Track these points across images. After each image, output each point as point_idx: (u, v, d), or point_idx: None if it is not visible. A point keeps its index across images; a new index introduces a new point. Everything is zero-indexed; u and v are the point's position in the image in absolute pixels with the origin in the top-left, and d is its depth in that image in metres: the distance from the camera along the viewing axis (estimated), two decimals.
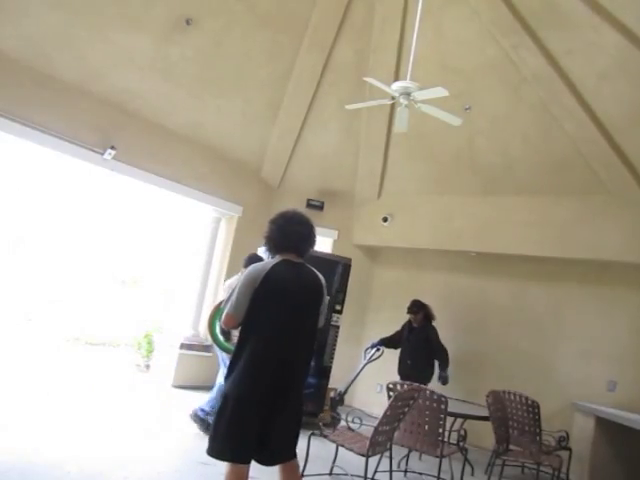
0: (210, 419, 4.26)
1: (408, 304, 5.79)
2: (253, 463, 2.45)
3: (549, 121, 5.40)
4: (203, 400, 4.78)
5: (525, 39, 4.95)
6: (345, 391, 5.50)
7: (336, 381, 5.91)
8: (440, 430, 3.87)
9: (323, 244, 7.08)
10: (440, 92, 3.85)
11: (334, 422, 5.18)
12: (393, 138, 6.63)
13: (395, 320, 6.16)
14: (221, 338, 3.97)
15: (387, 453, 3.74)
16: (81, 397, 5.24)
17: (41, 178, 8.44)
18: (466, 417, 4.45)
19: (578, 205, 5.73)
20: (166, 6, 5.13)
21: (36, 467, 3.25)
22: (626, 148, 5.15)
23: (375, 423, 3.47)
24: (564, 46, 4.86)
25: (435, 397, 3.93)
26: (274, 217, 2.70)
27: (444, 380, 5.34)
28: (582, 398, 5.38)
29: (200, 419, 4.60)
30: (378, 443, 3.51)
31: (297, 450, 2.59)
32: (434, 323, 5.76)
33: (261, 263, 2.59)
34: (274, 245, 2.65)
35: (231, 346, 3.60)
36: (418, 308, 5.72)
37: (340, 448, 3.73)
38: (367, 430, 3.68)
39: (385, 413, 3.47)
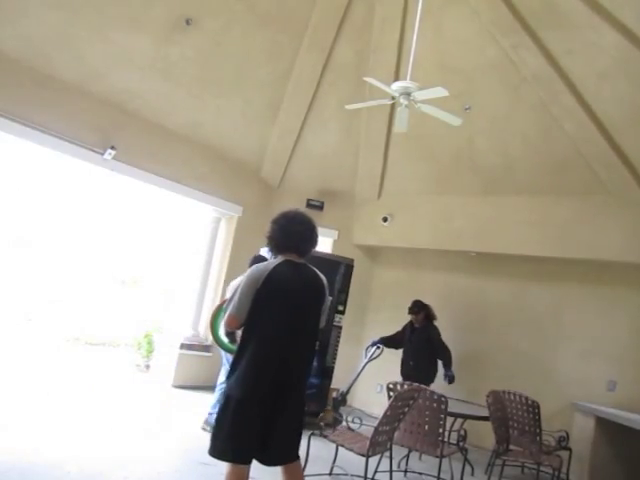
0: None
1: (409, 305, 5.79)
2: (254, 463, 2.45)
3: (549, 121, 5.40)
4: (209, 406, 4.78)
5: (525, 39, 4.95)
6: (347, 391, 5.50)
7: (338, 381, 5.91)
8: (440, 430, 3.87)
9: (323, 244, 7.09)
10: (440, 92, 3.85)
11: (336, 422, 5.18)
12: (393, 138, 6.63)
13: (395, 320, 6.16)
14: (225, 340, 3.95)
15: (387, 453, 3.74)
16: (81, 397, 5.23)
17: (41, 178, 8.44)
18: (466, 417, 4.45)
19: (578, 205, 5.73)
20: (166, 6, 5.12)
21: (36, 467, 3.25)
22: (626, 148, 5.15)
23: (375, 423, 3.47)
24: (564, 46, 4.86)
25: (435, 397, 3.93)
26: (276, 217, 2.69)
27: (450, 379, 5.35)
28: (582, 398, 5.38)
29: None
30: (378, 443, 3.51)
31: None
32: (435, 323, 5.77)
33: (263, 263, 2.58)
34: (276, 245, 2.64)
35: (233, 346, 3.59)
36: (419, 308, 5.72)
37: (340, 448, 3.74)
38: (367, 430, 3.68)
39: (385, 413, 3.47)
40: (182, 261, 7.92)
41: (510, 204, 6.23)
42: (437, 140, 6.28)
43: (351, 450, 3.54)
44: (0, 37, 4.75)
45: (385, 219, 7.13)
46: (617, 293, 5.67)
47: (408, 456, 4.49)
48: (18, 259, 9.44)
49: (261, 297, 2.44)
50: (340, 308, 5.83)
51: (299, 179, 7.37)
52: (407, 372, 5.67)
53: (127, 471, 3.44)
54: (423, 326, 5.72)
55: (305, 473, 3.62)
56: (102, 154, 5.55)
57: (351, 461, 3.85)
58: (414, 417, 3.95)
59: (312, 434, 3.69)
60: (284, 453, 2.49)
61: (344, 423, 4.41)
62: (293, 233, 2.60)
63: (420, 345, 5.66)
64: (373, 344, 5.75)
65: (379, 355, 5.69)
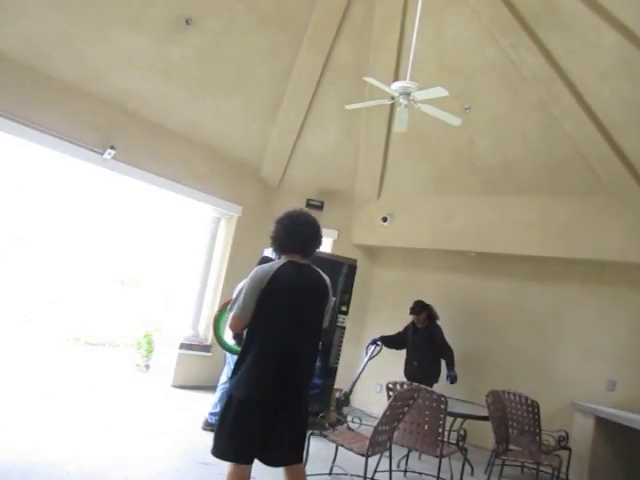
0: None
1: (409, 305, 5.78)
2: (256, 463, 2.44)
3: (549, 121, 5.40)
4: (209, 405, 4.78)
5: (525, 39, 4.95)
6: (350, 391, 5.50)
7: (340, 381, 5.92)
8: (440, 430, 3.87)
9: (323, 244, 7.08)
10: (440, 92, 3.85)
11: (339, 423, 5.17)
12: (393, 138, 6.63)
13: (395, 320, 6.16)
14: (229, 342, 3.94)
15: (387, 453, 3.74)
16: (81, 397, 5.23)
17: (41, 178, 8.44)
18: (466, 417, 4.45)
19: (578, 205, 5.73)
20: (166, 6, 5.12)
21: (36, 467, 3.25)
22: (626, 148, 5.15)
23: (375, 423, 3.47)
24: (564, 46, 4.86)
25: (435, 397, 3.93)
26: (280, 217, 2.66)
27: (452, 379, 5.35)
28: (582, 398, 5.38)
29: (214, 424, 4.59)
30: (378, 443, 3.51)
31: None
32: (437, 322, 5.77)
33: (267, 264, 2.57)
34: (279, 245, 2.63)
35: (236, 347, 3.59)
36: (421, 308, 5.71)
37: (340, 448, 3.74)
38: (367, 430, 3.68)
39: (385, 413, 3.47)
40: (182, 261, 7.91)
41: (510, 204, 6.23)
42: (437, 140, 6.28)
43: (351, 450, 3.54)
44: (0, 37, 4.76)
45: (385, 219, 7.13)
46: (617, 293, 5.67)
47: (408, 456, 4.49)
48: (18, 259, 9.44)
49: (265, 298, 2.44)
50: (343, 309, 5.82)
51: (299, 179, 7.37)
52: (411, 372, 5.65)
53: (127, 471, 3.44)
54: (426, 326, 5.71)
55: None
56: (102, 154, 5.55)
57: (351, 461, 3.85)
58: (414, 417, 3.95)
59: (312, 434, 3.69)
60: (287, 454, 2.48)
61: (354, 425, 4.43)
62: (297, 234, 2.59)
63: (423, 345, 5.65)
64: (373, 342, 5.75)
65: (379, 353, 5.69)
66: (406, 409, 3.69)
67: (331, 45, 5.98)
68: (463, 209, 6.56)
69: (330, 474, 3.97)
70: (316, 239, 2.66)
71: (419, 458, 4.92)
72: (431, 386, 5.18)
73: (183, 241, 8.13)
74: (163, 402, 5.74)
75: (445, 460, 3.90)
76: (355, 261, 6.07)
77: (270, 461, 2.47)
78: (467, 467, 4.39)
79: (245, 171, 7.19)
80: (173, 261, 8.96)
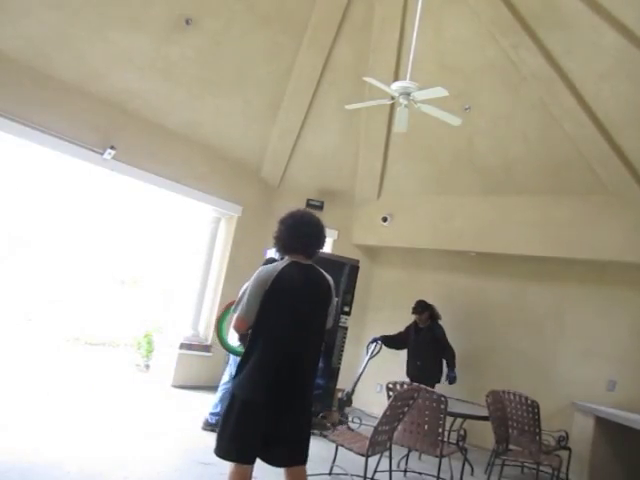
0: None
1: (410, 304, 5.78)
2: (258, 463, 2.44)
3: (549, 121, 5.40)
4: (209, 405, 4.78)
5: (525, 39, 4.95)
6: (352, 391, 5.51)
7: (341, 381, 5.92)
8: (440, 430, 3.87)
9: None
10: (440, 92, 3.85)
11: (342, 423, 5.17)
12: (393, 138, 6.63)
13: (395, 320, 6.16)
14: (234, 344, 3.94)
15: (387, 453, 3.74)
16: (81, 397, 5.23)
17: (41, 178, 8.44)
18: (466, 417, 4.45)
19: (578, 205, 5.73)
20: (166, 6, 5.12)
21: (36, 467, 3.25)
22: (626, 148, 5.15)
23: (375, 423, 3.47)
24: (564, 46, 4.86)
25: (435, 397, 3.94)
26: (283, 217, 2.64)
27: (451, 380, 5.36)
28: (582, 398, 5.38)
29: (214, 424, 4.60)
30: (378, 443, 3.51)
31: None
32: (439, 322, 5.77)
33: (270, 265, 2.56)
34: (283, 246, 2.62)
35: (240, 349, 3.60)
36: (423, 308, 5.71)
37: (340, 448, 3.74)
38: (367, 430, 3.68)
39: (385, 413, 3.47)
40: (182, 261, 7.91)
41: (510, 204, 6.23)
42: (437, 140, 6.28)
43: (351, 450, 3.54)
44: (0, 37, 4.76)
45: (385, 219, 7.13)
46: (617, 293, 5.67)
47: (408, 456, 4.49)
48: (18, 259, 9.44)
49: (269, 299, 2.43)
50: (346, 309, 5.81)
51: (299, 179, 7.37)
52: (414, 372, 5.64)
53: (127, 471, 3.44)
54: (428, 326, 5.71)
55: None
56: (102, 154, 5.55)
57: (351, 461, 3.85)
58: (414, 417, 3.95)
59: (312, 434, 3.68)
60: (291, 455, 2.47)
61: (354, 425, 4.43)
62: (300, 234, 2.57)
63: (426, 345, 5.64)
64: (373, 340, 5.76)
65: (379, 351, 5.69)
66: (406, 409, 3.69)
67: (331, 45, 5.98)
68: (463, 209, 6.56)
69: (330, 474, 3.97)
70: (320, 239, 2.64)
71: (419, 458, 4.92)
72: (433, 386, 5.19)
73: (183, 241, 8.14)
74: (163, 402, 5.74)
75: (445, 460, 3.91)
76: (358, 261, 6.07)
77: (273, 461, 2.47)
78: (467, 467, 4.39)
79: (245, 171, 7.19)
80: (173, 261, 8.96)
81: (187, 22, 5.26)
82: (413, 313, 5.75)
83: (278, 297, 2.44)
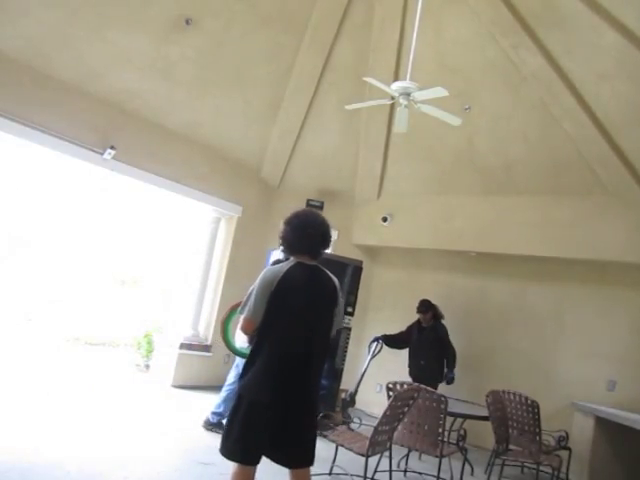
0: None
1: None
2: (261, 463, 2.44)
3: (549, 121, 5.40)
4: (210, 405, 4.77)
5: (525, 39, 4.95)
6: (355, 391, 5.50)
7: (343, 382, 5.93)
8: (440, 430, 3.87)
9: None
10: (440, 92, 3.85)
11: (345, 423, 5.17)
12: (393, 138, 6.63)
13: (395, 320, 6.16)
14: (242, 345, 3.93)
15: (387, 453, 3.74)
16: (81, 397, 5.23)
17: (41, 178, 8.43)
18: (466, 417, 4.46)
19: (578, 205, 5.73)
20: (165, 6, 5.12)
21: (36, 467, 3.25)
22: (626, 148, 5.15)
23: (375, 423, 3.47)
24: (564, 46, 4.86)
25: (435, 397, 3.94)
26: (289, 217, 2.63)
27: (450, 380, 5.36)
28: (582, 398, 5.38)
29: (214, 424, 4.60)
30: (378, 443, 3.51)
31: None
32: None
33: (276, 266, 2.56)
34: (288, 247, 2.61)
35: (244, 350, 3.61)
36: (427, 308, 5.71)
37: (340, 448, 3.74)
38: (367, 430, 3.68)
39: (385, 413, 3.47)
40: (182, 261, 7.91)
41: (510, 204, 6.23)
42: (437, 140, 6.28)
43: (351, 450, 3.54)
44: (0, 37, 4.75)
45: (385, 219, 7.13)
46: (617, 293, 5.67)
47: (408, 456, 4.49)
48: (18, 259, 9.43)
49: (274, 300, 2.43)
50: (349, 310, 5.81)
51: (299, 179, 7.37)
52: (417, 372, 5.63)
53: (127, 471, 3.44)
54: (431, 325, 5.71)
55: None
56: (102, 154, 5.55)
57: (351, 461, 3.85)
58: (414, 417, 3.95)
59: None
60: (296, 456, 2.46)
61: (354, 425, 4.43)
62: (305, 235, 2.56)
63: (429, 344, 5.63)
64: (375, 339, 5.75)
65: (380, 351, 5.69)
66: (406, 409, 3.69)
67: (331, 45, 5.98)
68: (463, 209, 6.56)
69: (330, 474, 3.97)
70: (325, 240, 2.62)
71: (419, 458, 4.92)
72: (436, 386, 5.19)
73: (183, 241, 8.13)
74: (163, 402, 5.74)
75: (445, 460, 3.91)
76: (361, 262, 6.06)
77: (279, 461, 2.47)
78: (467, 467, 4.39)
79: (245, 171, 7.19)
80: (173, 261, 8.96)
81: (187, 22, 5.26)
82: (418, 312, 5.74)
83: (283, 298, 2.44)
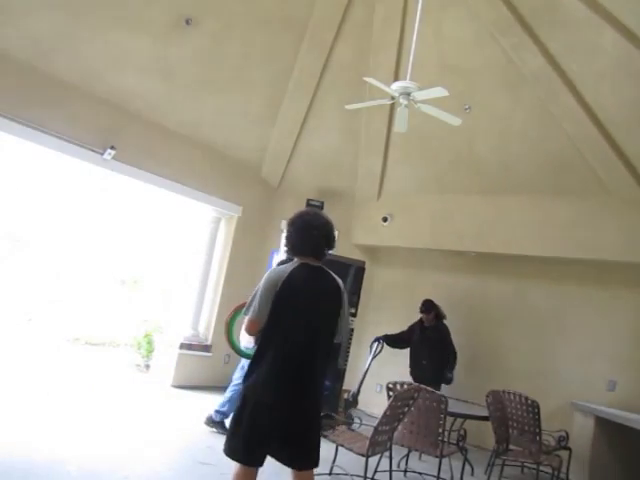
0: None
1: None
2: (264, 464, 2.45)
3: (549, 121, 5.40)
4: (217, 402, 4.77)
5: (525, 39, 4.95)
6: (358, 392, 5.50)
7: (346, 382, 5.93)
8: (440, 430, 3.87)
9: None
10: (440, 92, 3.85)
11: (348, 424, 5.17)
12: (393, 138, 6.63)
13: (395, 320, 6.16)
14: (248, 346, 3.93)
15: (387, 453, 3.74)
16: (81, 397, 5.24)
17: (41, 178, 8.43)
18: (466, 417, 4.45)
19: (578, 205, 5.73)
20: (166, 6, 5.12)
21: (36, 467, 3.25)
22: (626, 148, 5.15)
23: (375, 423, 3.47)
24: (564, 46, 4.86)
25: (435, 397, 3.94)
26: (292, 218, 2.63)
27: (448, 380, 5.35)
28: (582, 398, 5.38)
29: (217, 423, 4.60)
30: (378, 443, 3.51)
31: None
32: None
33: (280, 267, 2.56)
34: (292, 248, 2.61)
35: (248, 351, 3.60)
36: (430, 307, 5.70)
37: (340, 448, 3.74)
38: (367, 430, 3.68)
39: (385, 413, 3.47)
40: (182, 261, 7.92)
41: (510, 204, 6.23)
42: (437, 140, 6.28)
43: (351, 450, 3.54)
44: (1, 37, 4.76)
45: (385, 219, 7.13)
46: (617, 293, 5.67)
47: (408, 456, 4.49)
48: (18, 259, 9.43)
49: (278, 301, 2.43)
50: (352, 310, 5.80)
51: (299, 179, 7.37)
52: (418, 372, 5.61)
53: (127, 470, 3.44)
54: (434, 325, 5.70)
55: None
56: (102, 154, 5.55)
57: (351, 461, 3.85)
58: (414, 417, 3.95)
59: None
60: (300, 457, 2.46)
61: (354, 425, 4.43)
62: (309, 237, 2.56)
63: (432, 344, 5.61)
64: (376, 339, 5.75)
65: (381, 351, 5.69)
66: (406, 409, 3.69)
67: (331, 45, 5.98)
68: (463, 209, 6.56)
69: (330, 474, 3.97)
70: (329, 241, 2.63)
71: (419, 458, 4.92)
72: (439, 386, 5.19)
73: (183, 241, 8.13)
74: (163, 402, 5.75)
75: (445, 460, 3.91)
76: (363, 262, 6.06)
77: (283, 461, 2.46)
78: (467, 467, 4.39)
79: (245, 171, 7.19)
80: (173, 261, 8.96)
81: (187, 22, 5.26)
82: (421, 312, 5.73)
83: (287, 299, 2.44)
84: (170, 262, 9.28)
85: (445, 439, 3.94)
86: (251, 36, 5.66)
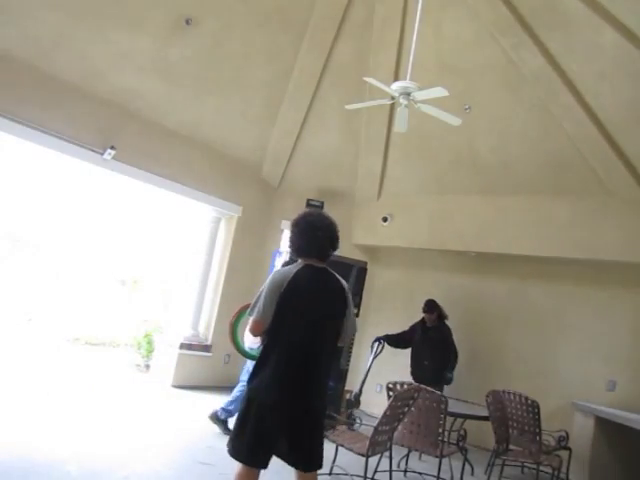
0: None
1: (423, 303, 5.73)
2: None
3: (548, 121, 5.40)
4: (223, 400, 4.77)
5: (525, 39, 4.95)
6: (360, 392, 5.50)
7: (347, 383, 5.93)
8: (440, 430, 3.87)
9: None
10: (440, 92, 3.85)
11: (350, 425, 5.17)
12: (393, 138, 6.63)
13: (395, 320, 6.16)
14: (252, 347, 3.93)
15: (387, 453, 3.74)
16: (81, 397, 5.24)
17: (41, 178, 8.43)
18: (466, 417, 4.45)
19: (577, 205, 5.74)
20: (166, 6, 5.12)
21: (37, 466, 3.25)
22: (626, 148, 5.15)
23: (375, 423, 3.47)
24: (564, 46, 4.86)
25: (435, 397, 3.93)
26: (296, 219, 2.63)
27: (448, 380, 5.35)
28: (582, 398, 5.38)
29: (221, 421, 4.60)
30: (378, 443, 3.51)
31: None
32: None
33: (285, 268, 2.56)
34: (296, 249, 2.60)
35: (253, 352, 3.60)
36: (433, 308, 5.69)
37: (340, 448, 3.74)
38: (367, 430, 3.68)
39: (385, 413, 3.47)
40: (182, 261, 7.92)
41: (510, 204, 6.23)
42: (437, 140, 6.28)
43: (351, 450, 3.54)
44: (2, 37, 4.76)
45: (385, 219, 7.13)
46: (617, 293, 5.68)
47: (408, 456, 4.49)
48: (18, 259, 9.44)
49: (283, 302, 2.43)
50: (354, 311, 5.80)
51: (299, 179, 7.37)
52: (419, 373, 5.59)
53: (127, 470, 3.44)
54: (436, 326, 5.69)
55: None
56: (102, 154, 5.55)
57: (351, 461, 3.85)
58: (414, 417, 3.95)
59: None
60: (303, 458, 2.45)
61: (356, 425, 4.42)
62: (313, 238, 2.55)
63: (434, 345, 5.59)
64: (377, 339, 5.75)
65: (382, 351, 5.68)
66: (406, 409, 3.69)
67: (331, 45, 5.98)
68: (463, 209, 6.56)
69: (330, 474, 3.97)
70: (333, 242, 2.62)
71: (419, 458, 4.93)
72: (441, 387, 5.18)
73: (183, 241, 8.13)
74: (163, 402, 5.75)
75: (445, 460, 3.91)
76: (365, 263, 6.05)
77: (290, 462, 2.46)
78: (467, 467, 4.39)
79: (245, 171, 7.20)
80: (173, 261, 8.96)
81: (187, 22, 5.26)
82: (424, 312, 5.72)
83: (292, 300, 2.44)
84: (170, 262, 9.28)
85: (445, 439, 3.94)
86: (251, 36, 5.66)
